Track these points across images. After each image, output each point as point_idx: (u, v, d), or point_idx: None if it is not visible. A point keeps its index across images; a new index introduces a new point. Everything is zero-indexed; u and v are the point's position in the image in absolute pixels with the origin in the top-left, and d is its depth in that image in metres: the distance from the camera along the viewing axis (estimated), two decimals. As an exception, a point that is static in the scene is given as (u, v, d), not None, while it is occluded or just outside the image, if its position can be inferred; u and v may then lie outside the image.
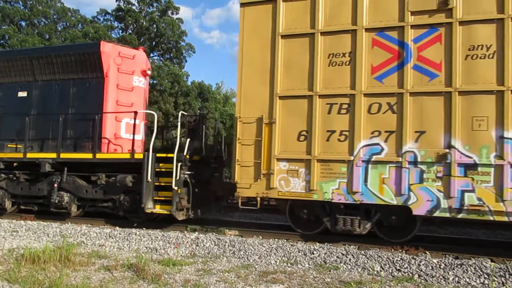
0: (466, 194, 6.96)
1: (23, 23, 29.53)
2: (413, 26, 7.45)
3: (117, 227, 9.11)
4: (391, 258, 6.66)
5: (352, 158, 7.56)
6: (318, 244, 7.67)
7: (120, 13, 30.68)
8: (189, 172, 9.13)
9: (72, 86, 10.25)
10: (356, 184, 7.51)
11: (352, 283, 5.72)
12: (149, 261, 6.49)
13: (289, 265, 6.70)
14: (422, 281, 5.97)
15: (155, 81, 27.30)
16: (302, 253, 7.06)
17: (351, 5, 7.81)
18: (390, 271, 6.33)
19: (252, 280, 5.84)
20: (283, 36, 8.19)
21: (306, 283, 5.75)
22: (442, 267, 6.31)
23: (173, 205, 8.75)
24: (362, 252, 6.97)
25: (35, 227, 9.18)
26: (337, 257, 6.86)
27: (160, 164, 9.09)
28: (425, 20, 7.41)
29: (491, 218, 6.86)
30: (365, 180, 7.49)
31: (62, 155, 9.72)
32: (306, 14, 8.09)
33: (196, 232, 8.62)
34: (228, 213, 11.51)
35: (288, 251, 7.14)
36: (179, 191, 8.81)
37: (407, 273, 6.21)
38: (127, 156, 9.21)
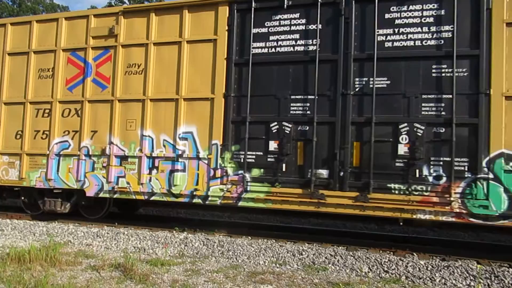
0: (120, 179, 9.00)
1: (11, 19, 29.70)
2: (93, 48, 9.44)
3: (105, 226, 9.29)
4: (379, 259, 6.75)
5: (48, 152, 9.54)
6: (307, 245, 7.79)
7: (111, 10, 30.96)
8: None
9: None
10: (50, 173, 9.48)
11: (340, 284, 5.77)
12: (137, 261, 6.44)
13: (277, 265, 6.75)
14: (410, 282, 6.03)
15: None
16: (291, 253, 7.16)
17: (56, 30, 9.77)
18: (378, 272, 6.39)
19: (241, 281, 5.86)
20: (9, 54, 10.12)
21: (295, 283, 5.79)
22: (429, 268, 6.39)
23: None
24: (351, 253, 7.10)
25: (21, 226, 9.33)
26: (326, 258, 6.96)
27: None
28: (101, 43, 9.40)
29: (134, 197, 8.93)
30: (57, 170, 9.48)
31: None
32: (25, 36, 10.02)
33: (185, 232, 8.74)
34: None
35: (277, 252, 7.24)
36: None
37: (394, 275, 6.27)
38: None
